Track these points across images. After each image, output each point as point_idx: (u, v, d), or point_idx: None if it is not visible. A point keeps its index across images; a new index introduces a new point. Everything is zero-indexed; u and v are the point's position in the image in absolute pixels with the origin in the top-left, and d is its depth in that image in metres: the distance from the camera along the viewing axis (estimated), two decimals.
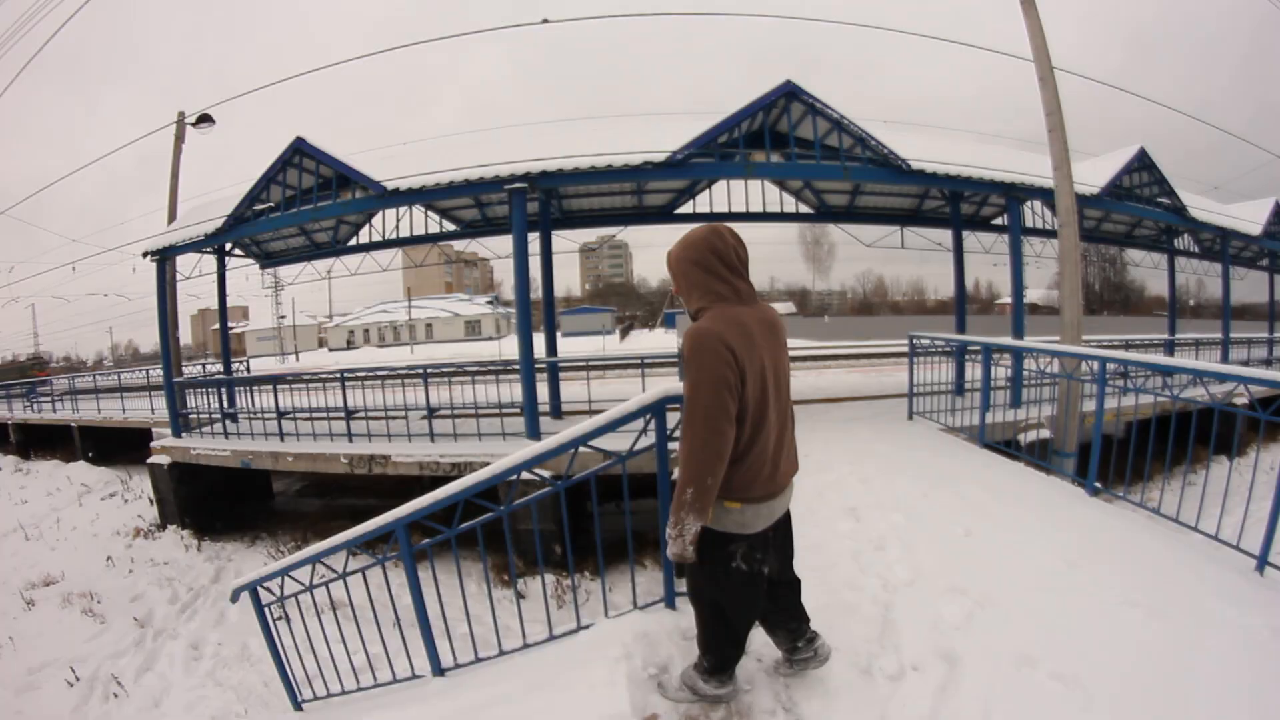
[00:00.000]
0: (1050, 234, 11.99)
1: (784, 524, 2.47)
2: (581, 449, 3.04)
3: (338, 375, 9.11)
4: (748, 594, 2.36)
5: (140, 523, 10.26)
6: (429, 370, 8.76)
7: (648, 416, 3.04)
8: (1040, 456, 5.99)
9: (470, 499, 3.15)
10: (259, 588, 4.03)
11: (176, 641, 6.61)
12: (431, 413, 8.49)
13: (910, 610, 2.93)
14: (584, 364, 9.90)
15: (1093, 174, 9.98)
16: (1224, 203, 14.70)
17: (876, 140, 8.11)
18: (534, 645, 3.42)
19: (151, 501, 10.58)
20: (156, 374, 14.94)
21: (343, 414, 9.04)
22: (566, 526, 3.54)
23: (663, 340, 13.29)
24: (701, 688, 2.55)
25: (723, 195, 11.83)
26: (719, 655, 2.51)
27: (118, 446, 15.18)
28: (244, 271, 16.41)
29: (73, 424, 16.07)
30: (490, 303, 59.96)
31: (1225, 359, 13.45)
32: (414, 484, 8.63)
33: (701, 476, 2.01)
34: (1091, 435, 4.88)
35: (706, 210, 11.85)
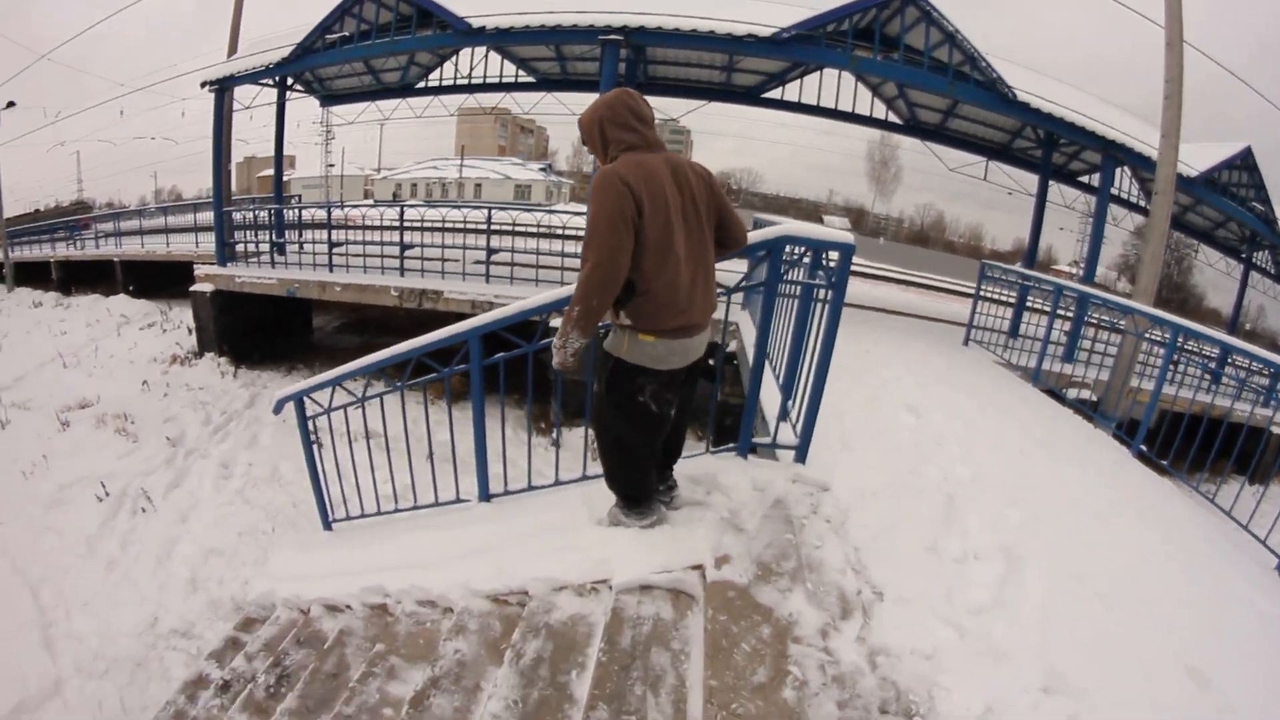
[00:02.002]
0: (1134, 207, 11.79)
1: (692, 373, 2.76)
2: None
3: (396, 208, 9.41)
4: (648, 431, 2.70)
5: (178, 350, 10.85)
6: (491, 219, 8.95)
7: (761, 253, 3.13)
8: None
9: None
10: (305, 398, 4.23)
11: (207, 461, 7.11)
12: (491, 254, 8.68)
13: (972, 504, 3.10)
14: None
15: (1189, 159, 9.70)
16: None
17: (987, 62, 8.02)
18: (593, 478, 3.57)
19: (190, 331, 11.19)
20: (204, 217, 15.42)
21: (396, 249, 9.40)
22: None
23: None
24: (624, 520, 2.96)
25: (812, 89, 11.61)
26: (624, 488, 2.91)
27: (159, 281, 15.97)
28: (293, 119, 16.50)
29: (115, 259, 16.96)
30: (543, 170, 60.01)
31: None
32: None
33: (589, 298, 2.33)
34: (1133, 411, 5.29)
35: (794, 99, 11.65)
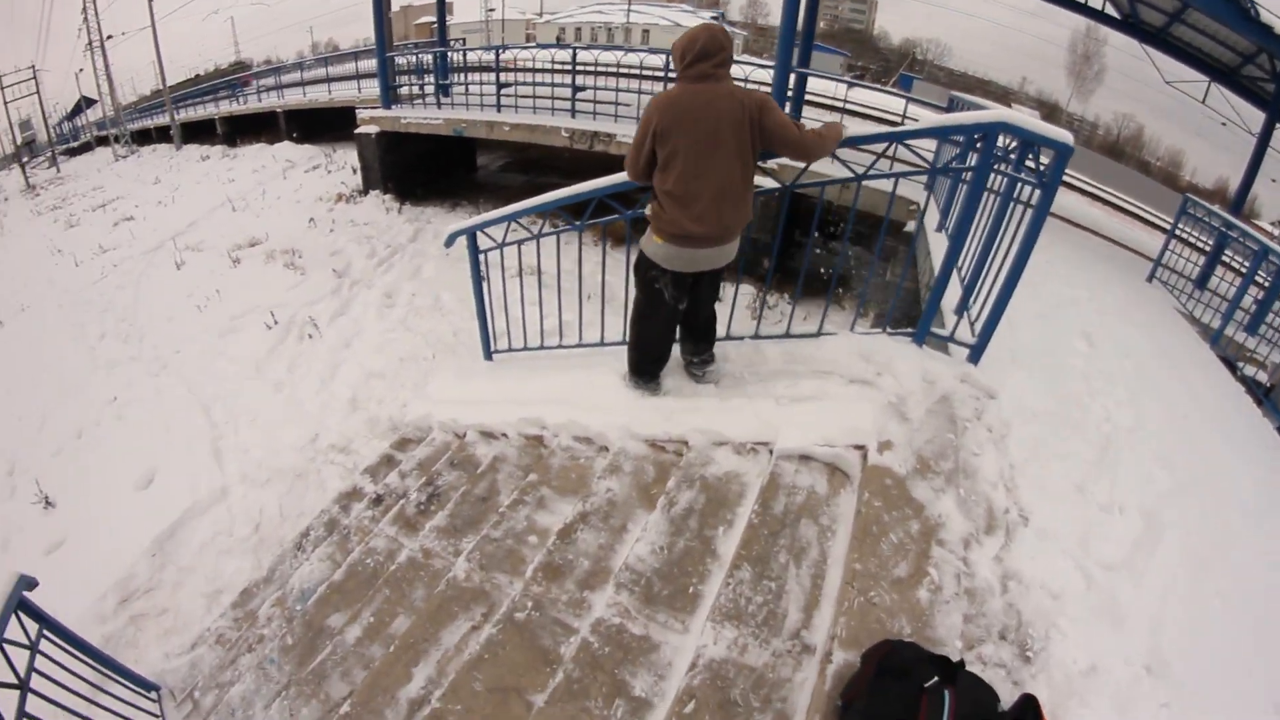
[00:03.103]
0: None
1: (713, 278, 3.36)
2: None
3: (568, 50, 9.47)
4: (656, 317, 3.38)
5: (343, 189, 11.48)
6: (668, 65, 8.66)
7: (977, 137, 2.96)
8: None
9: None
10: (478, 232, 4.29)
11: (371, 291, 7.52)
12: None
13: (1126, 454, 3.05)
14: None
15: None
16: None
17: None
18: (765, 337, 3.72)
19: (355, 171, 11.78)
20: (364, 65, 15.95)
21: (567, 91, 9.33)
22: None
23: (885, 100, 11.88)
24: (630, 384, 3.69)
25: None
26: (633, 358, 3.61)
27: (321, 127, 16.88)
28: None
29: (278, 109, 18.09)
30: (715, 18, 58.03)
31: None
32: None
33: (629, 170, 3.14)
34: None
35: None
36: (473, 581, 2.93)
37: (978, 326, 3.27)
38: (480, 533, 3.19)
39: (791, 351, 3.57)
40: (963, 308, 3.41)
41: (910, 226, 6.17)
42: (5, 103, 24.41)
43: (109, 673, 3.00)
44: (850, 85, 9.32)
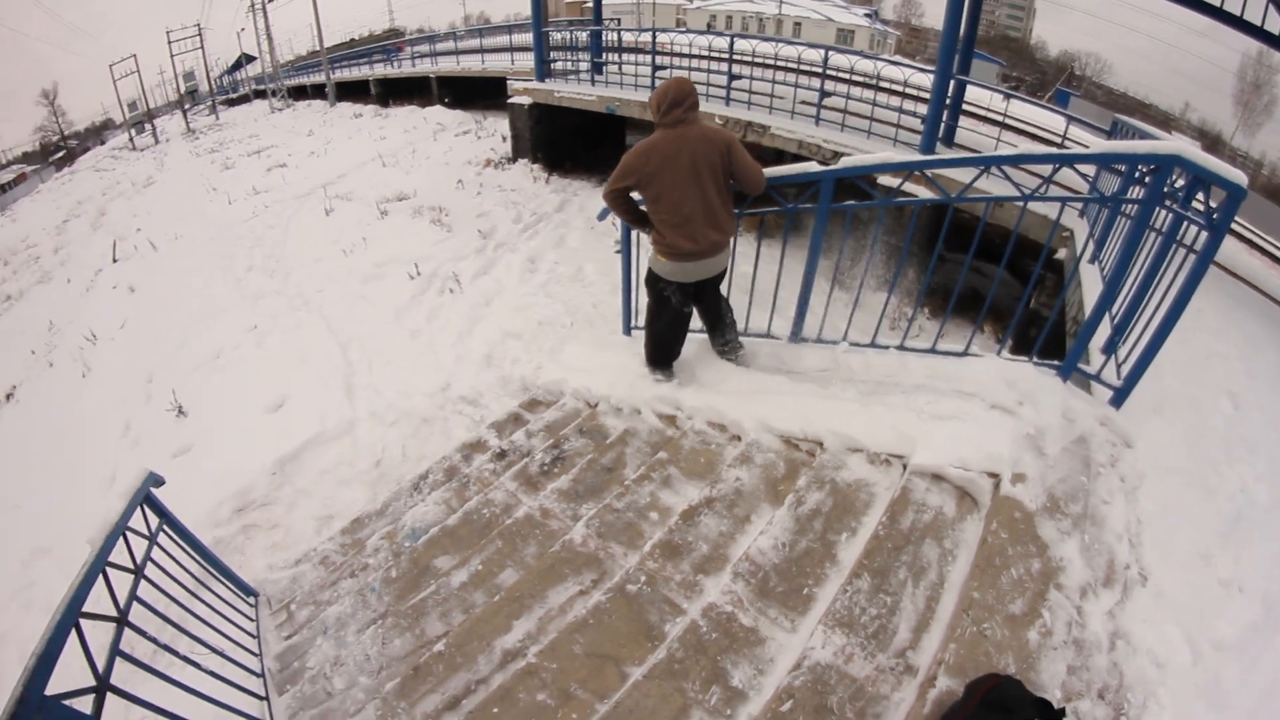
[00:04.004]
0: None
1: (712, 286, 3.93)
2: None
3: (726, 39, 9.39)
4: (665, 319, 3.97)
5: (492, 155, 11.95)
6: (828, 60, 8.50)
7: (1144, 169, 2.99)
8: None
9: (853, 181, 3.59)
10: None
11: (515, 255, 7.71)
12: (824, 96, 8.37)
13: (1258, 532, 2.88)
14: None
15: None
16: None
17: None
18: (911, 349, 3.70)
19: (504, 139, 12.28)
20: (518, 38, 16.84)
21: (722, 78, 9.31)
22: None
23: (1042, 116, 11.06)
24: (649, 374, 4.24)
25: None
26: (649, 352, 4.19)
27: (472, 95, 17.80)
28: None
29: (431, 75, 19.12)
30: (868, 15, 57.09)
31: None
32: (774, 162, 8.88)
33: (606, 196, 3.69)
34: None
35: None
36: (588, 547, 3.00)
37: (1124, 369, 3.21)
38: (602, 501, 3.26)
39: (935, 368, 3.52)
40: (1111, 348, 3.38)
41: (1063, 254, 5.92)
42: (172, 55, 27.65)
43: (215, 572, 3.20)
44: (1008, 97, 8.86)
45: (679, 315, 3.94)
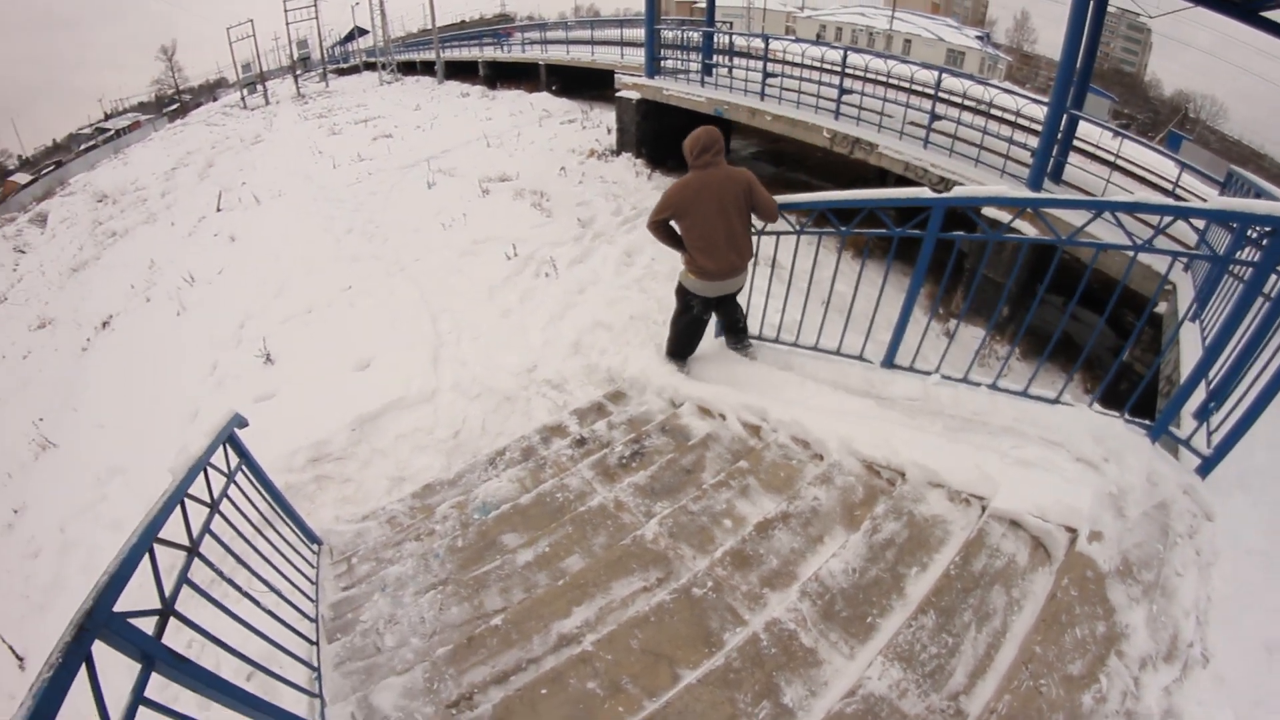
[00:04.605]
0: None
1: (731, 299, 4.62)
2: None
3: (839, 51, 9.32)
4: (688, 325, 4.72)
5: (596, 146, 12.14)
6: (941, 82, 8.39)
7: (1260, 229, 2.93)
8: None
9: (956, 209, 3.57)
10: None
11: (612, 247, 7.77)
12: (934, 119, 8.30)
13: None
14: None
15: None
16: None
17: None
18: (1002, 390, 3.66)
19: (609, 131, 12.50)
20: (628, 33, 17.09)
21: (833, 91, 9.30)
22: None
23: (1152, 159, 10.30)
24: (668, 362, 4.91)
25: None
26: (670, 346, 4.88)
27: (579, 85, 18.13)
28: None
29: (540, 62, 19.50)
30: (980, 38, 55.92)
31: None
32: (877, 183, 9.05)
33: (650, 224, 4.39)
34: None
35: None
36: (658, 545, 3.03)
37: (1215, 438, 3.10)
38: (678, 502, 3.29)
39: (1025, 411, 3.47)
40: (1204, 414, 3.25)
41: (1162, 307, 5.73)
42: (287, 23, 29.25)
43: (283, 515, 3.37)
44: (1119, 136, 8.46)
45: (698, 320, 4.70)
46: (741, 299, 4.79)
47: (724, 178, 4.17)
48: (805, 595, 2.59)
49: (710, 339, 5.09)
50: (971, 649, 2.34)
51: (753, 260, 4.46)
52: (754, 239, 4.41)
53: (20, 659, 4.18)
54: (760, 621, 2.54)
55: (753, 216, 4.34)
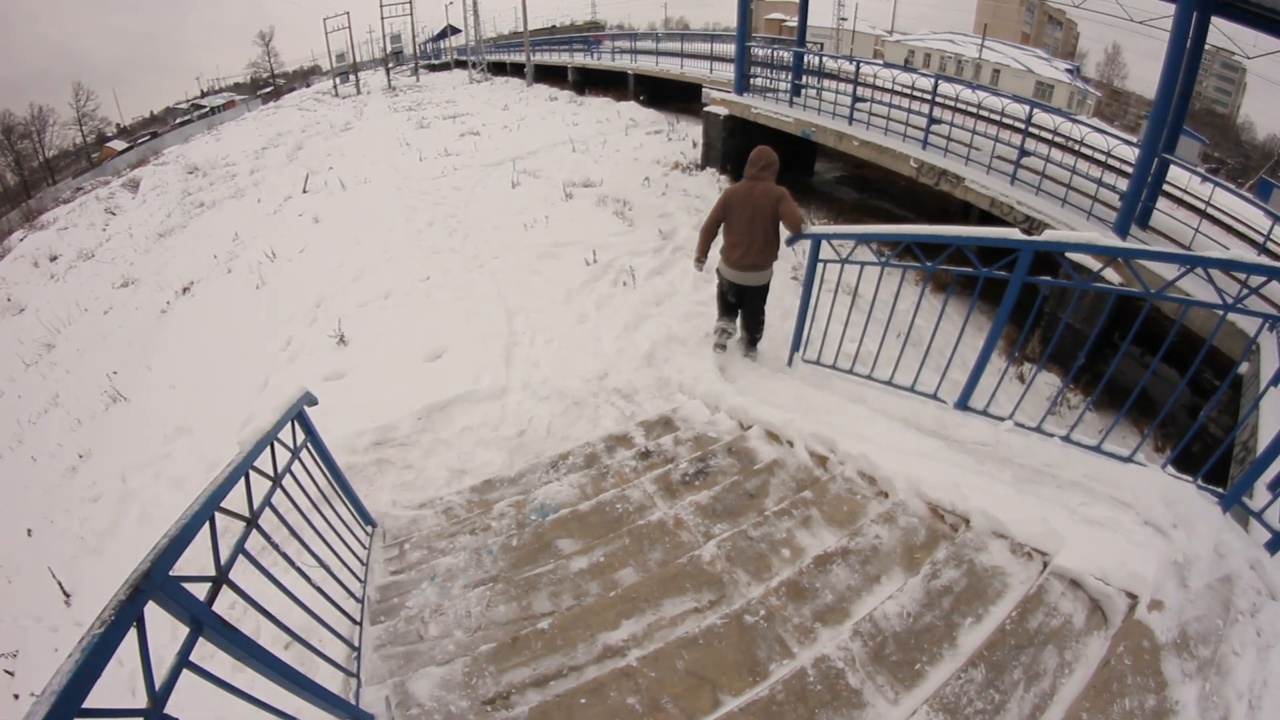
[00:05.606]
0: None
1: (748, 290, 5.35)
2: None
3: (930, 79, 9.37)
4: (719, 294, 5.65)
5: (680, 159, 12.25)
6: (1031, 117, 8.31)
7: None
8: None
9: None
10: (824, 240, 4.76)
11: (691, 261, 7.67)
12: (1023, 154, 8.21)
13: None
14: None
15: None
16: None
17: None
18: (1075, 443, 3.59)
19: (695, 144, 12.64)
20: (718, 48, 17.46)
21: (921, 120, 9.30)
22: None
23: (1241, 207, 9.56)
24: (715, 324, 5.86)
25: None
26: (719, 307, 5.76)
27: (667, 97, 18.42)
28: None
29: (629, 71, 20.03)
30: (1070, 70, 54.78)
31: None
32: (960, 217, 9.33)
33: (703, 226, 5.42)
34: None
35: None
36: (714, 568, 3.02)
37: None
38: (738, 526, 3.28)
39: (1096, 468, 3.39)
40: (1278, 485, 3.11)
41: (1243, 368, 5.56)
42: (383, 18, 30.55)
43: (341, 495, 3.46)
44: (1210, 182, 8.11)
45: (722, 294, 5.57)
46: (817, 330, 4.98)
47: (764, 191, 5.01)
48: (857, 635, 2.56)
49: (782, 363, 5.20)
50: (1018, 708, 2.31)
51: (774, 261, 5.27)
52: (778, 246, 5.17)
53: (68, 595, 4.39)
54: (809, 656, 2.51)
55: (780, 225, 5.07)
